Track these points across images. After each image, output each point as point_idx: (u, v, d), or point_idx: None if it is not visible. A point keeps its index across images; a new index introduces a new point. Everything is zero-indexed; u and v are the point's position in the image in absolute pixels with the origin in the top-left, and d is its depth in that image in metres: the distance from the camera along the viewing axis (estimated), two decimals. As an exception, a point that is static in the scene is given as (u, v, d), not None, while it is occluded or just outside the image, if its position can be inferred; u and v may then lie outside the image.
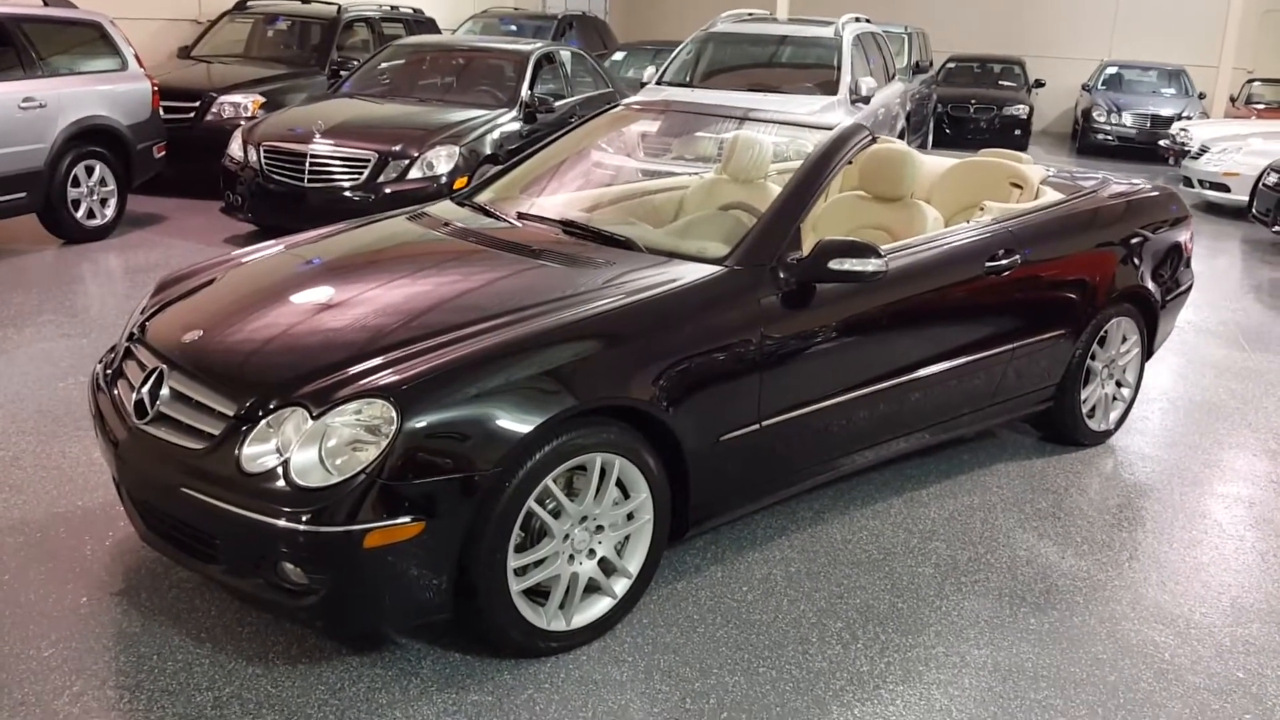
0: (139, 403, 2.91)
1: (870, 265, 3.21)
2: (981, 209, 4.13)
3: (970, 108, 16.02)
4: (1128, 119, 15.50)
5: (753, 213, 3.76)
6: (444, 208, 4.07)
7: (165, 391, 2.88)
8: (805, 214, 3.41)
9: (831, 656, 2.98)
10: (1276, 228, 9.22)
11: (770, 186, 4.18)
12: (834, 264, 3.20)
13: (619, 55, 13.85)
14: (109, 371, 3.22)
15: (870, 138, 3.72)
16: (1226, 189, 10.84)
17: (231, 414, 2.70)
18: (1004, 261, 3.87)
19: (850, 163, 3.73)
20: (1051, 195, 4.40)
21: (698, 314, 3.10)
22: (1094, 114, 15.75)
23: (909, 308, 3.62)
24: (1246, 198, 10.20)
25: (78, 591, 3.12)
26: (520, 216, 3.83)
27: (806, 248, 3.32)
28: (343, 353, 2.80)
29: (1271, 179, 9.51)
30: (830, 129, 3.74)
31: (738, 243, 3.34)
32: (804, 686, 2.84)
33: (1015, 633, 3.14)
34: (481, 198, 4.12)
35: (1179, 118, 14.54)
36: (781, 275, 3.25)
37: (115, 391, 3.10)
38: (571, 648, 2.93)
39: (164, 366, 2.94)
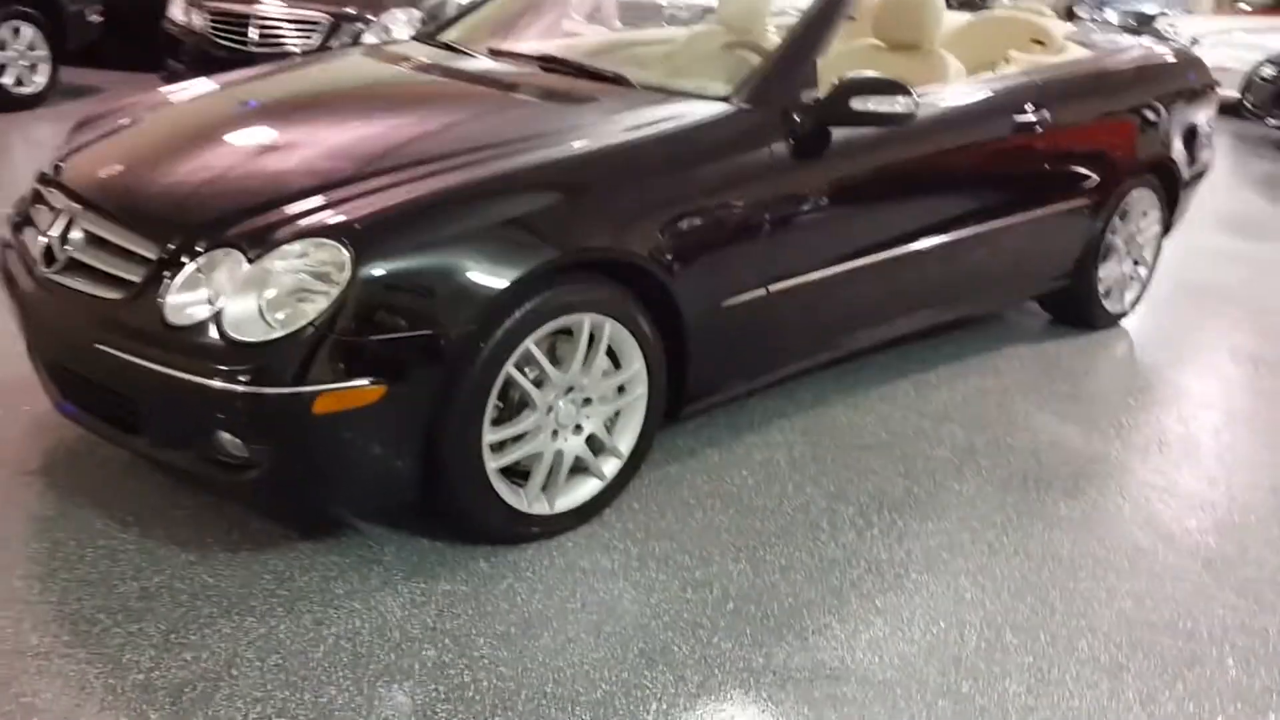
0: (47, 248, 2.48)
1: (898, 105, 2.79)
2: (1007, 60, 3.72)
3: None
4: (1111, 16, 15.08)
5: (758, 52, 3.32)
6: (405, 45, 3.59)
7: (77, 234, 2.45)
8: (824, 46, 2.98)
9: (845, 544, 2.66)
10: (1270, 121, 8.90)
11: (770, 38, 3.73)
12: (856, 103, 2.79)
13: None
14: (18, 220, 2.77)
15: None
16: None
17: (153, 257, 2.28)
18: (1033, 117, 3.48)
19: None
20: (1078, 52, 4.00)
21: (702, 158, 2.70)
22: (1077, 11, 15.26)
23: (931, 165, 3.25)
24: (1237, 93, 9.84)
25: (-15, 470, 2.71)
26: (493, 53, 3.37)
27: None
28: (285, 190, 2.37)
29: (1268, 71, 9.16)
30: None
31: (747, 78, 2.92)
32: (817, 575, 2.53)
33: (1046, 519, 2.84)
34: (448, 35, 3.63)
35: (1160, 16, 14.21)
36: (796, 117, 2.84)
37: (22, 239, 2.66)
38: (555, 533, 2.59)
39: (78, 207, 2.50)
